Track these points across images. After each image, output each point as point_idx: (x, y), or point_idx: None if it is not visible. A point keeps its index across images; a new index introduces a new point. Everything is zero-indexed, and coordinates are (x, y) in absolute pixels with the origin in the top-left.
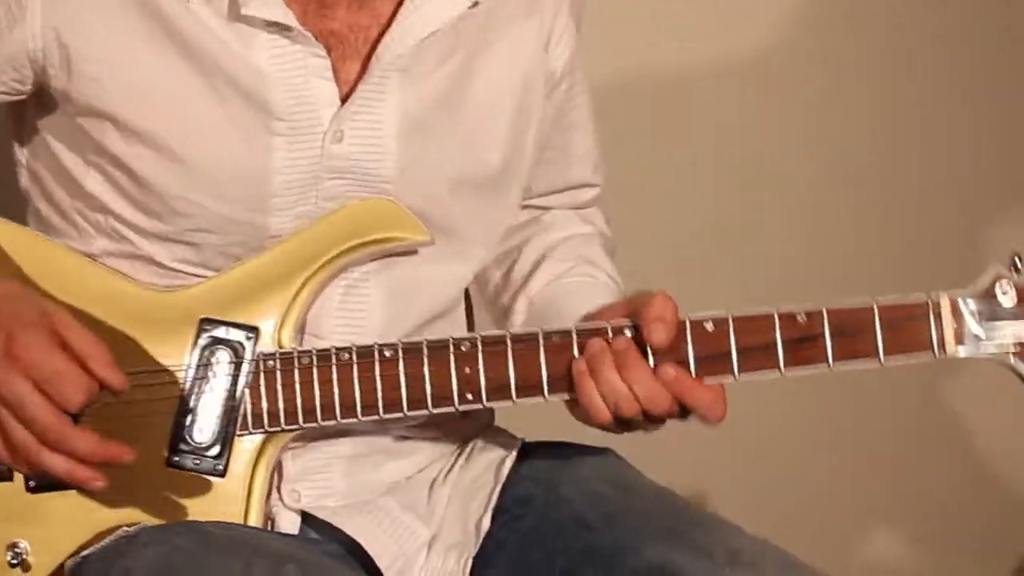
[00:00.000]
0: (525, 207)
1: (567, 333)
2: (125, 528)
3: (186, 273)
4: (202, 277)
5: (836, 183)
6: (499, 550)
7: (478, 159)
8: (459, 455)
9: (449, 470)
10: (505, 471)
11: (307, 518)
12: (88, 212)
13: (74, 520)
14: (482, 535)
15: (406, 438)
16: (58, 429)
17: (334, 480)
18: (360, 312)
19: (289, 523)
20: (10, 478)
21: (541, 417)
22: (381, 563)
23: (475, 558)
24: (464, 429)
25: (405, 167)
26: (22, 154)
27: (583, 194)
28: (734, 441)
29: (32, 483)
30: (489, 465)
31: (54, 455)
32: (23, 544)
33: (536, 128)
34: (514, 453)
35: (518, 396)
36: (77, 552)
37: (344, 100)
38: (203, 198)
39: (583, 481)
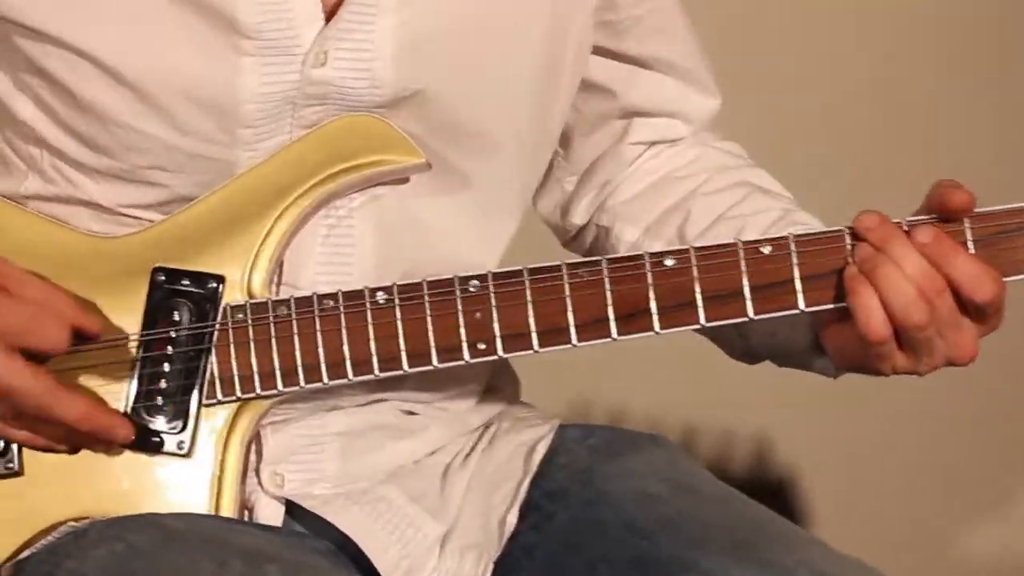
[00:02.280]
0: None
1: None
2: (72, 523)
3: (135, 219)
4: (151, 222)
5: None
6: (526, 554)
7: (495, 87)
8: (480, 436)
9: (468, 454)
10: (537, 458)
11: (292, 508)
12: (19, 144)
13: (8, 515)
14: (506, 535)
15: (413, 413)
16: (44, 393)
17: (324, 462)
18: (347, 256)
19: (270, 513)
20: None
21: (581, 394)
22: (380, 564)
23: (496, 562)
24: (486, 404)
25: (402, 94)
26: None
27: (697, 113)
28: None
29: None
30: (517, 450)
31: (48, 424)
32: None
33: (578, 43)
34: (549, 437)
35: (541, 344)
36: (15, 555)
37: (329, 17)
38: (158, 129)
39: (632, 476)
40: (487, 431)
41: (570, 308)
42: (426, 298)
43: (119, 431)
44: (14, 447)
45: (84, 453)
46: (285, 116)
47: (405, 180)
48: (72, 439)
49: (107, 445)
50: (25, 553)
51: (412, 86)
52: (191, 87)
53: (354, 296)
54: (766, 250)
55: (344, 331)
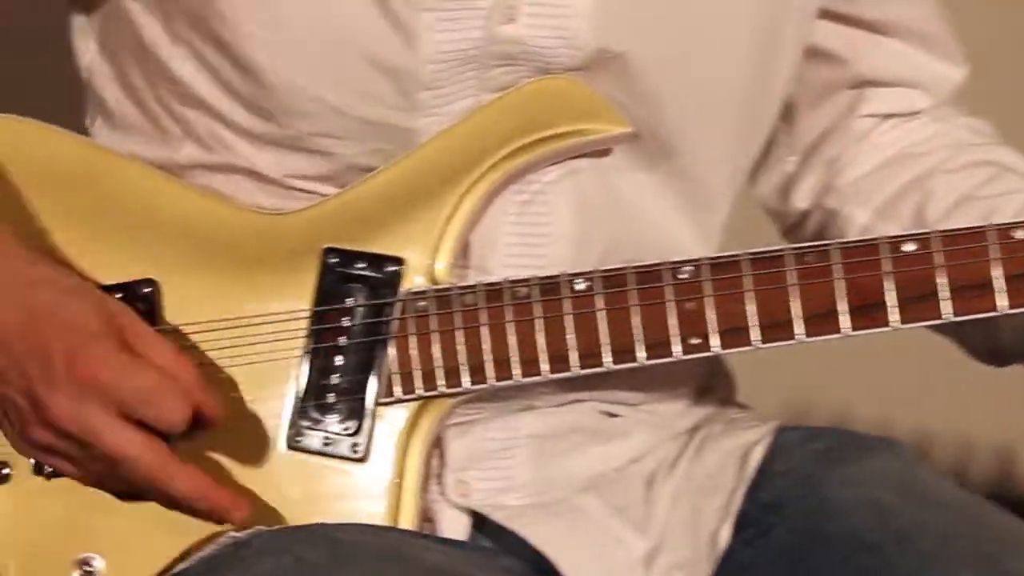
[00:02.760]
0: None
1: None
2: (232, 533)
3: (303, 191)
4: (322, 195)
5: None
6: (742, 573)
7: (706, 51)
8: (688, 441)
9: (674, 461)
10: (752, 465)
11: (479, 520)
12: (175, 106)
13: (163, 526)
14: (719, 551)
15: (615, 415)
16: (156, 465)
17: (516, 469)
18: (542, 237)
19: (454, 526)
20: None
21: (800, 393)
22: None
23: None
24: (697, 406)
25: (601, 57)
26: (80, 19)
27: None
28: None
29: None
30: (729, 456)
31: (154, 494)
32: (97, 561)
33: (801, 6)
34: (766, 441)
35: (764, 339)
36: (170, 567)
37: None
38: (328, 92)
39: (861, 483)
40: (696, 435)
41: (796, 299)
42: (632, 286)
43: (235, 513)
44: None
45: (248, 456)
46: (470, 78)
47: (607, 152)
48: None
49: (219, 523)
50: (182, 565)
51: (613, 48)
52: (364, 44)
53: (550, 283)
54: (1021, 234)
55: (539, 322)
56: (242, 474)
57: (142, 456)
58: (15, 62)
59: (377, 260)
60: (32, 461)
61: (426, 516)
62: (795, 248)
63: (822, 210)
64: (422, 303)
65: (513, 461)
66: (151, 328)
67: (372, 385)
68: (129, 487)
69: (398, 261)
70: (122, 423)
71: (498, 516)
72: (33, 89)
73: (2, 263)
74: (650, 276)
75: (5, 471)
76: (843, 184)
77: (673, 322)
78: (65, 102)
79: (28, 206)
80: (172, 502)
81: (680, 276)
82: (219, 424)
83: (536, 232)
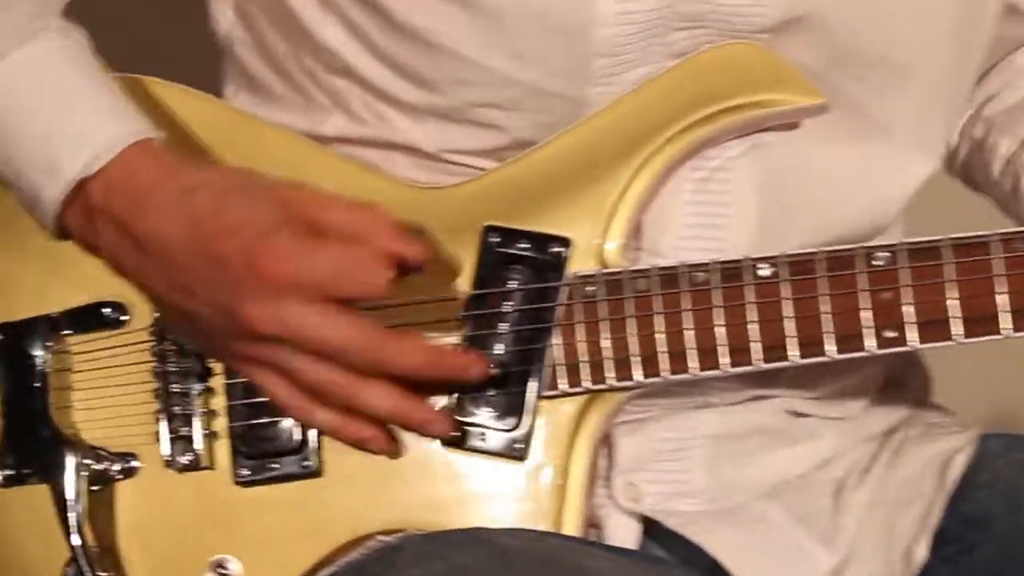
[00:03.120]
0: None
1: None
2: (381, 537)
3: (462, 167)
4: (481, 170)
5: None
6: None
7: (907, 4)
8: (882, 446)
9: (867, 468)
10: (953, 475)
11: (650, 526)
12: (322, 75)
13: (303, 524)
14: (915, 569)
15: (801, 414)
16: (372, 341)
17: (691, 472)
18: (722, 218)
19: (623, 533)
20: (210, 466)
21: (1004, 396)
22: None
23: None
24: (891, 406)
25: (791, 15)
26: None
27: None
28: None
29: (244, 474)
30: (928, 464)
31: (373, 387)
32: (233, 564)
33: None
34: (968, 449)
35: (967, 333)
36: (309, 573)
37: None
38: (495, 59)
39: None
40: (890, 439)
41: (1003, 289)
42: (822, 273)
43: (474, 369)
44: (312, 440)
45: (398, 459)
46: (649, 43)
47: (794, 125)
48: (398, 416)
49: (426, 429)
50: (327, 571)
51: (805, 7)
52: (536, 5)
53: (731, 268)
54: None
55: (719, 311)
56: (392, 472)
57: (356, 339)
58: (152, 29)
59: (542, 240)
60: (164, 453)
61: (592, 521)
62: (1002, 234)
63: (969, 140)
64: (590, 288)
65: (688, 463)
66: (325, 193)
67: (534, 377)
68: (347, 389)
69: (565, 241)
70: (324, 310)
71: (671, 522)
72: (170, 57)
73: (154, 171)
74: (842, 262)
75: (133, 463)
76: (992, 113)
77: (867, 313)
78: (203, 71)
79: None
80: (382, 405)
81: (875, 263)
82: (426, 266)
83: (716, 212)
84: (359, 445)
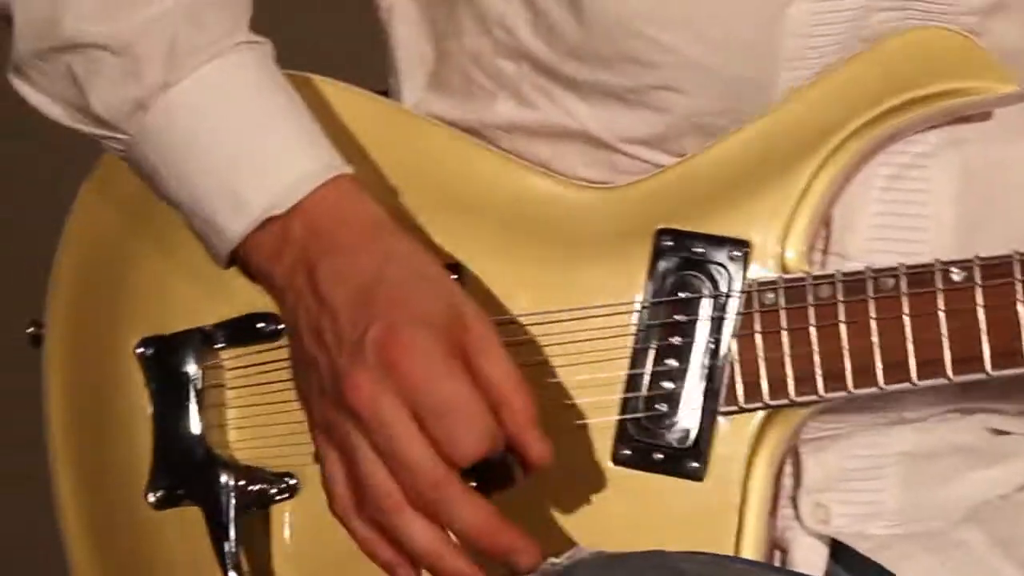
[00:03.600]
0: None
1: None
2: (552, 560)
3: (633, 158)
4: (657, 165)
5: None
6: None
7: None
8: None
9: None
10: None
11: (838, 551)
12: (487, 56)
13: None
14: None
15: (1003, 432)
16: (441, 482)
17: (883, 492)
18: (916, 217)
19: (810, 557)
20: None
21: None
22: None
23: None
24: None
25: None
26: None
27: None
28: None
29: None
30: None
31: (417, 520)
32: None
33: None
34: None
35: None
36: None
37: None
38: (677, 37)
39: None
40: None
41: None
42: (1020, 278)
43: (523, 559)
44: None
45: (568, 471)
46: (847, 26)
47: (988, 115)
48: (425, 557)
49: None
50: None
51: None
52: None
53: (920, 273)
54: None
55: (907, 320)
56: (560, 490)
57: (428, 469)
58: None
59: (718, 243)
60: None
61: (777, 544)
62: None
63: None
64: (770, 295)
65: (881, 483)
66: (500, 345)
67: (711, 392)
68: (393, 507)
69: (743, 245)
70: (418, 430)
71: (863, 547)
72: (332, 38)
73: (355, 215)
74: None
75: (291, 484)
76: None
77: None
78: (365, 54)
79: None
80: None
81: None
82: (536, 474)
83: (907, 212)
84: (385, 568)
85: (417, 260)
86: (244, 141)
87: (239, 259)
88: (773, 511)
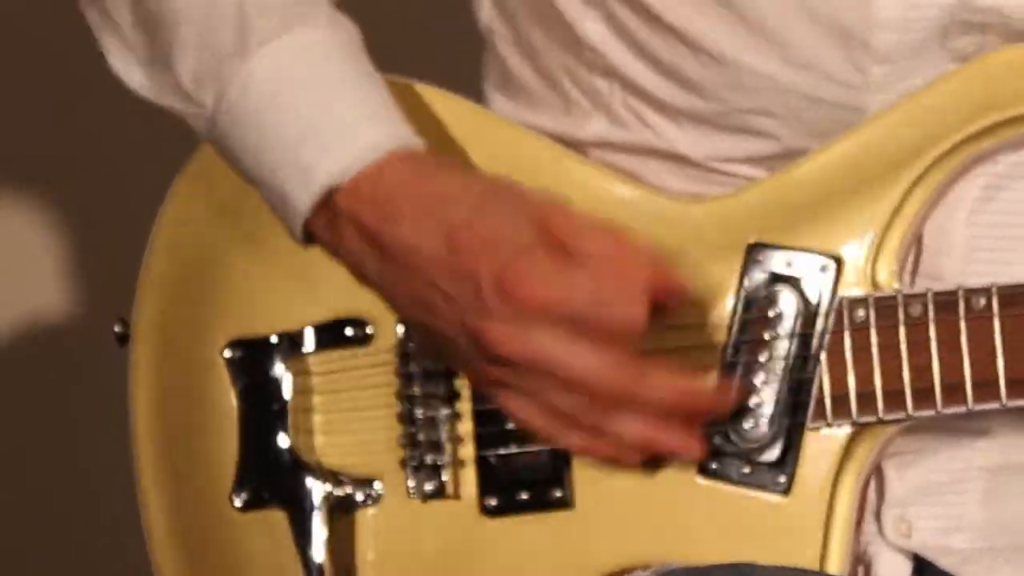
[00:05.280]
0: None
1: None
2: (639, 573)
3: (726, 175)
4: (747, 180)
5: None
6: None
7: None
8: None
9: None
10: None
11: (922, 567)
12: (583, 74)
13: (554, 557)
14: None
15: None
16: (627, 383)
17: (967, 506)
18: (1009, 238)
19: (893, 571)
20: (456, 495)
21: None
22: None
23: None
24: None
25: None
26: None
27: None
28: None
29: (492, 504)
30: None
31: (623, 417)
32: None
33: None
34: None
35: None
36: None
37: None
38: (768, 63)
39: None
40: None
41: None
42: None
43: (724, 403)
44: (564, 470)
45: (655, 482)
46: (932, 48)
47: None
48: (649, 441)
49: (687, 449)
50: None
51: None
52: (815, 6)
53: (1013, 293)
54: None
55: (998, 340)
56: (646, 502)
57: (606, 373)
58: (412, 18)
59: (809, 259)
60: (407, 480)
61: (860, 558)
62: None
63: None
64: (860, 312)
65: (964, 497)
66: (580, 214)
67: (799, 408)
68: (596, 417)
69: (833, 260)
70: (575, 340)
71: (945, 562)
72: (430, 50)
73: (408, 177)
74: None
75: (375, 490)
76: None
77: None
78: (465, 65)
79: None
80: (634, 431)
81: None
82: (684, 305)
83: (1001, 234)
84: (613, 463)
85: (473, 183)
86: (313, 112)
87: (314, 234)
88: (857, 526)
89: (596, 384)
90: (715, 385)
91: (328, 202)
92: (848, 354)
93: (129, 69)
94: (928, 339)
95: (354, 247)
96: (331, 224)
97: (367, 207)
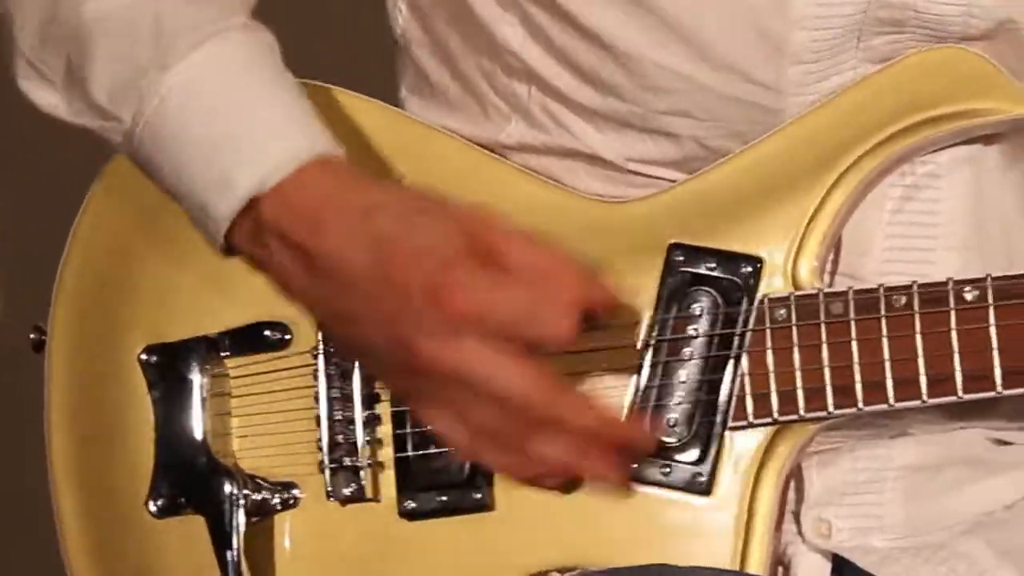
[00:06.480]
0: None
1: None
2: (555, 574)
3: (648, 178)
4: (668, 182)
5: None
6: None
7: None
8: None
9: None
10: None
11: (841, 566)
12: (501, 79)
13: (471, 558)
14: None
15: (1006, 442)
16: (549, 400)
17: (886, 506)
18: (927, 239)
19: (813, 571)
20: (375, 497)
21: None
22: None
23: None
24: None
25: (1007, 24)
26: None
27: None
28: None
29: (410, 507)
30: None
31: (546, 438)
32: None
33: None
34: None
35: None
36: None
37: None
38: (684, 64)
39: None
40: None
41: None
42: None
43: (643, 444)
44: (482, 473)
45: (573, 484)
46: (848, 48)
47: (1007, 137)
48: (568, 466)
49: (606, 475)
50: None
51: (1020, 19)
52: (729, 8)
53: (933, 292)
54: None
55: (918, 337)
56: (566, 505)
57: (533, 391)
58: (325, 27)
59: (730, 259)
60: (326, 483)
61: (780, 559)
62: None
63: None
64: (781, 311)
65: (883, 496)
66: (505, 223)
67: (720, 406)
68: (519, 435)
69: (755, 261)
70: (503, 353)
71: (864, 562)
72: (344, 56)
73: (332, 189)
74: None
75: (293, 493)
76: None
77: None
78: (378, 70)
79: None
80: (555, 453)
81: None
82: (611, 314)
83: (919, 234)
84: (533, 483)
85: (399, 196)
86: (232, 123)
87: (235, 246)
88: (777, 527)
89: (518, 399)
90: (631, 419)
91: (251, 212)
92: (769, 353)
93: (39, 91)
94: (849, 338)
95: (279, 259)
96: (254, 235)
97: (291, 218)
